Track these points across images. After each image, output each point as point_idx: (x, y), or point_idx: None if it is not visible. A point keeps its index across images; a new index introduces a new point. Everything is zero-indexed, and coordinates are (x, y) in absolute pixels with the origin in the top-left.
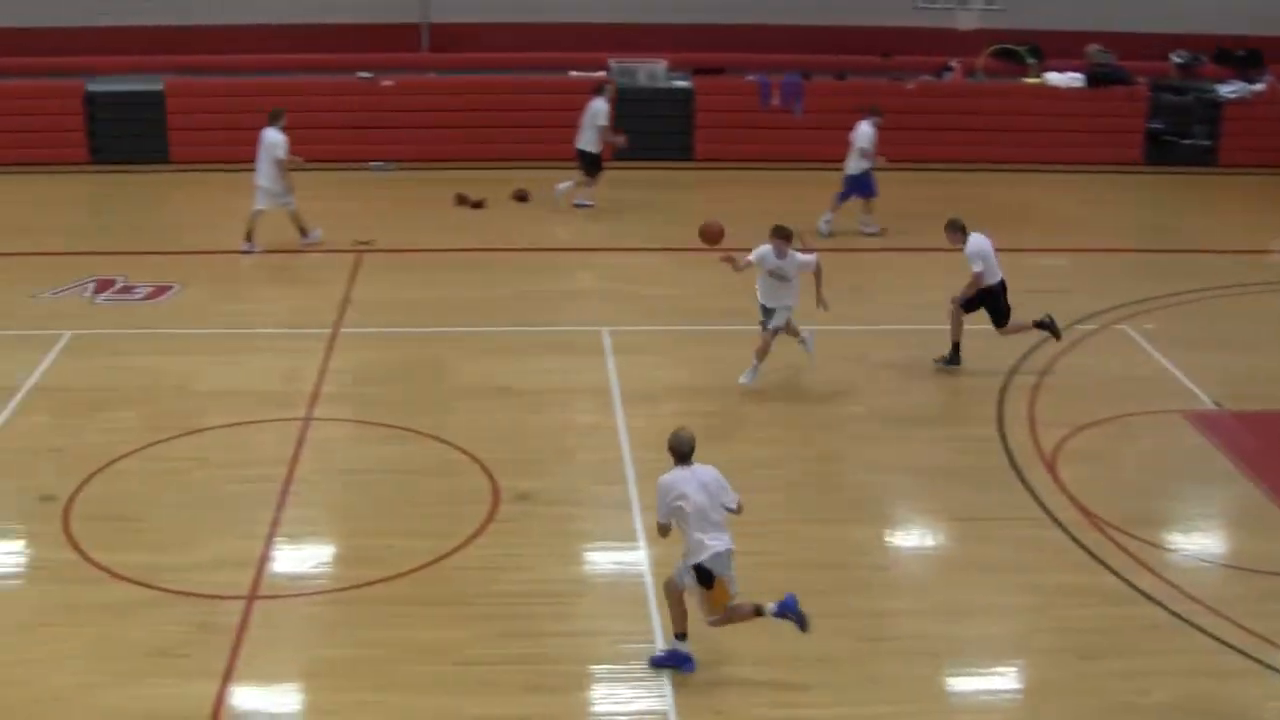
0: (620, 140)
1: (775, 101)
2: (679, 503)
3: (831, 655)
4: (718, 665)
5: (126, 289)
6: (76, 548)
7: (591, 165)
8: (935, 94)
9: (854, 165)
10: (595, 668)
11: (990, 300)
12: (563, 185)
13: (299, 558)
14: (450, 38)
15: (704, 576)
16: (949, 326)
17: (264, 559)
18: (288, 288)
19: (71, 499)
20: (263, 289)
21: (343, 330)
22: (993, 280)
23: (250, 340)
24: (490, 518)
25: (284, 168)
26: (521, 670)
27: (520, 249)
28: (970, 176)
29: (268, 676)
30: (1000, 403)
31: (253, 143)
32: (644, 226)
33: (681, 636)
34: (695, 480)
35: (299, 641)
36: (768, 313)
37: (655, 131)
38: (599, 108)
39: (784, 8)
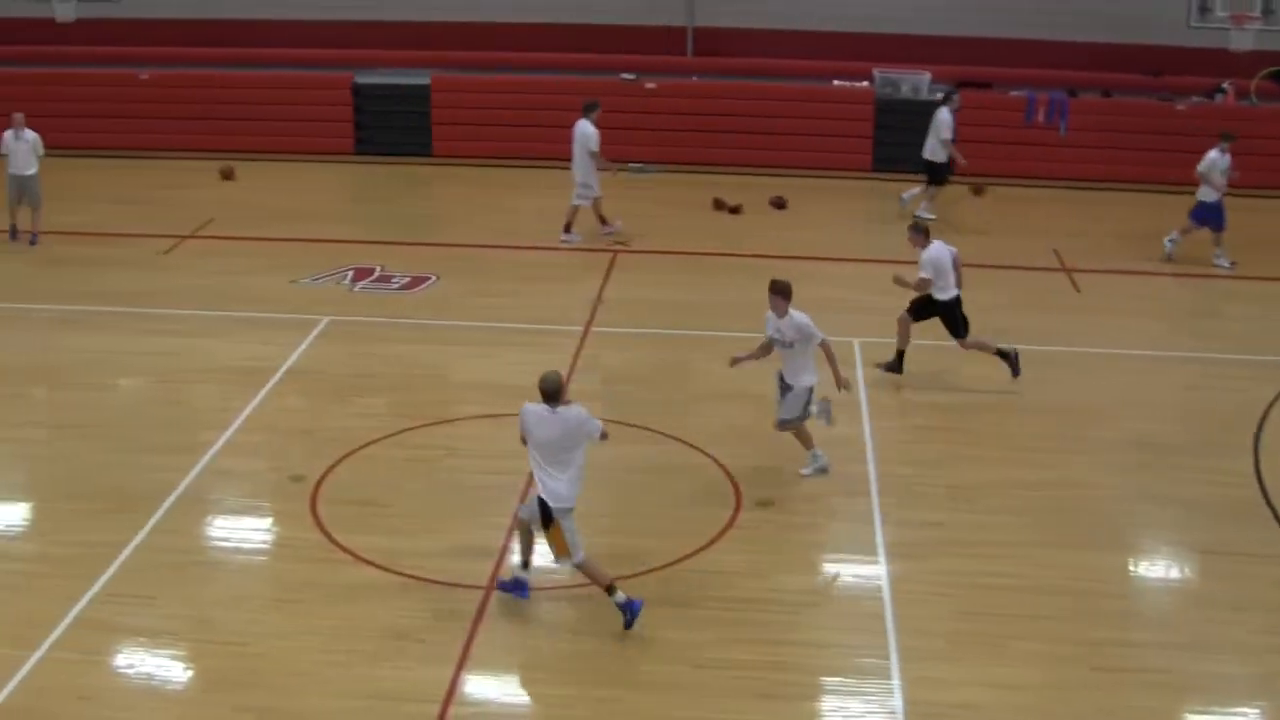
0: (961, 159)
1: (1040, 118)
2: (526, 437)
3: (1067, 683)
4: (952, 686)
5: (384, 278)
6: (323, 529)
7: (936, 175)
8: (1206, 116)
9: (1206, 192)
10: (827, 679)
11: (945, 312)
12: (907, 194)
13: (539, 551)
14: (714, 42)
15: (545, 513)
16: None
17: (505, 550)
18: (542, 284)
19: (320, 481)
20: (517, 284)
21: (594, 329)
22: (944, 294)
23: (503, 334)
24: (731, 523)
25: (595, 160)
26: (754, 677)
27: (775, 256)
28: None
29: (501, 666)
30: (1258, 434)
31: (516, 139)
32: (899, 238)
33: (525, 566)
34: (556, 421)
35: (535, 634)
36: (785, 389)
37: (913, 144)
38: (943, 119)
39: (1053, 23)
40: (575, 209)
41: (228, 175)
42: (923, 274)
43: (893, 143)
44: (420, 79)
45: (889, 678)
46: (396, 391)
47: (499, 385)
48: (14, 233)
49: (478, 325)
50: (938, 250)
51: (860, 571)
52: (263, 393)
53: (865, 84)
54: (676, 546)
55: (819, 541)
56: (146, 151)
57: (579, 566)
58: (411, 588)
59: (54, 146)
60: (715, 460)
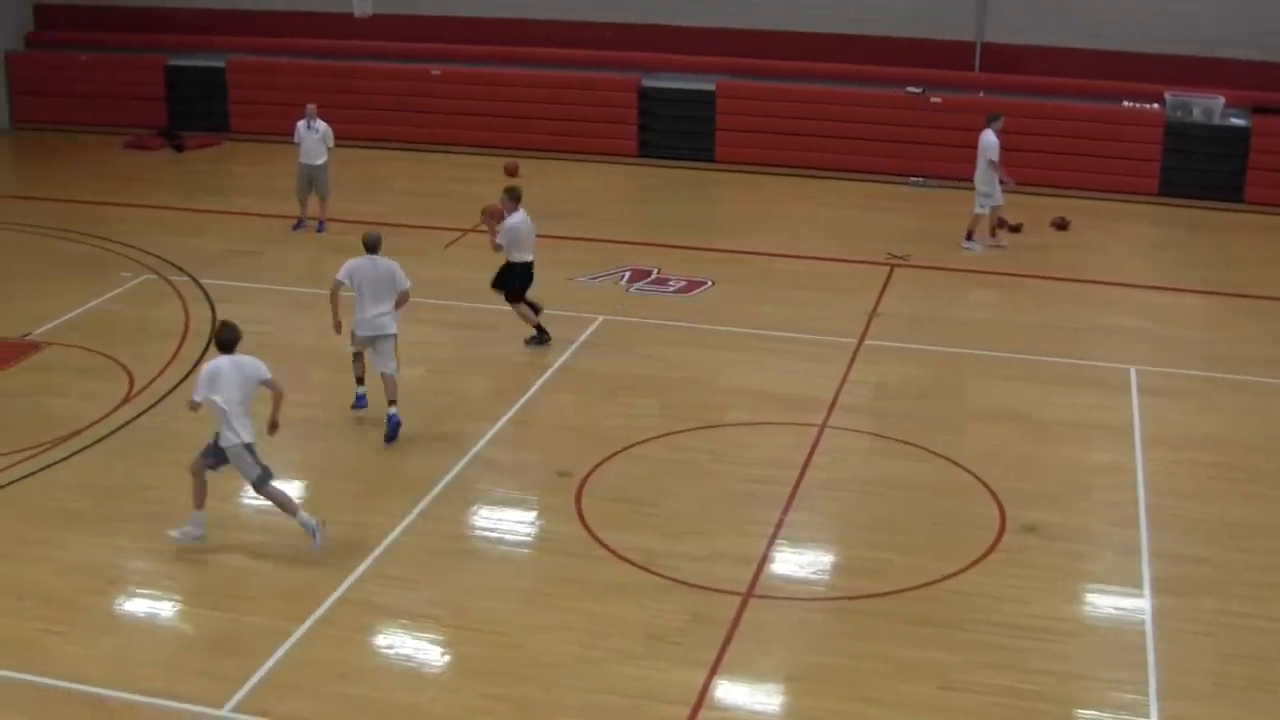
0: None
1: None
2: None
3: None
4: None
5: (660, 280)
6: (585, 525)
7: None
8: None
9: None
10: (1082, 712)
11: (511, 276)
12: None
13: (799, 561)
14: (1004, 58)
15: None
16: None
17: (764, 558)
18: (817, 294)
19: (586, 477)
20: (793, 293)
21: (867, 341)
22: (520, 258)
23: (776, 342)
24: (994, 546)
25: (995, 169)
26: (1006, 704)
27: (1053, 277)
28: None
29: (754, 674)
30: None
31: (798, 148)
32: (1182, 267)
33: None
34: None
35: (789, 644)
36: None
37: (1207, 169)
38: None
39: None
40: (976, 217)
41: (512, 172)
42: (500, 240)
43: (1181, 167)
44: (706, 84)
45: (1146, 715)
46: (665, 393)
47: (768, 393)
48: (300, 221)
49: (750, 332)
50: (515, 219)
51: (1124, 604)
52: (535, 387)
53: (1155, 106)
54: (938, 566)
55: (1083, 570)
56: (435, 145)
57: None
58: (670, 589)
59: (346, 138)
60: (982, 481)
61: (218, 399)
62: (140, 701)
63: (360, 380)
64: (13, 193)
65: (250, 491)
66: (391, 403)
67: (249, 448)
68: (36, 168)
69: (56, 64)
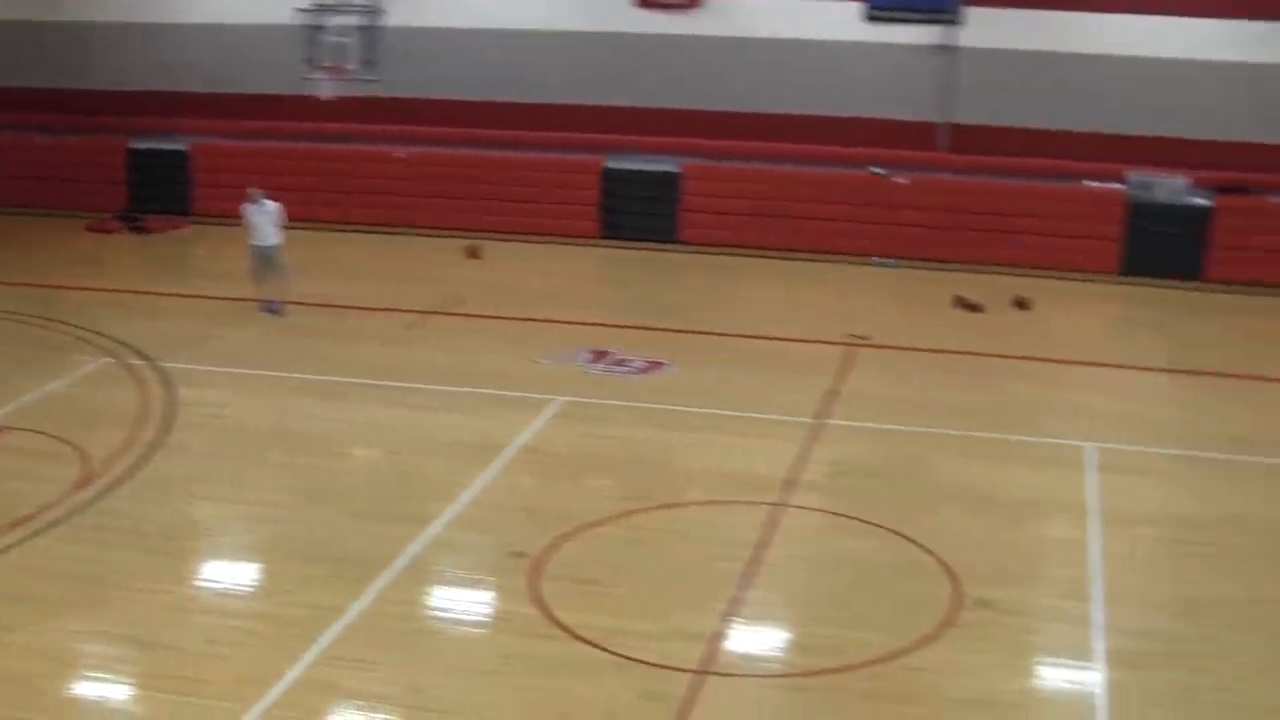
0: None
1: None
2: None
3: None
4: None
5: (621, 361)
6: (542, 604)
7: None
8: None
9: None
10: None
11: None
12: None
13: (755, 639)
14: (969, 139)
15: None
16: None
17: (719, 636)
18: (778, 374)
19: (544, 557)
20: (754, 373)
21: (827, 421)
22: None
23: (736, 422)
24: (950, 622)
25: None
26: None
27: (1014, 356)
28: None
29: None
30: None
31: (763, 229)
32: (1143, 346)
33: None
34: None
35: None
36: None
37: (1168, 248)
38: None
39: None
40: None
41: (474, 254)
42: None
43: (1142, 245)
44: (670, 166)
45: None
46: (624, 473)
47: (727, 472)
48: (271, 304)
49: (710, 412)
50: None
51: (1077, 677)
52: (494, 468)
53: (1116, 185)
54: (893, 642)
55: (1037, 644)
56: (399, 227)
57: None
58: (625, 666)
59: (308, 219)
60: (938, 558)
61: None
62: None
63: None
64: None
65: (206, 572)
66: None
67: None
68: None
69: (15, 145)
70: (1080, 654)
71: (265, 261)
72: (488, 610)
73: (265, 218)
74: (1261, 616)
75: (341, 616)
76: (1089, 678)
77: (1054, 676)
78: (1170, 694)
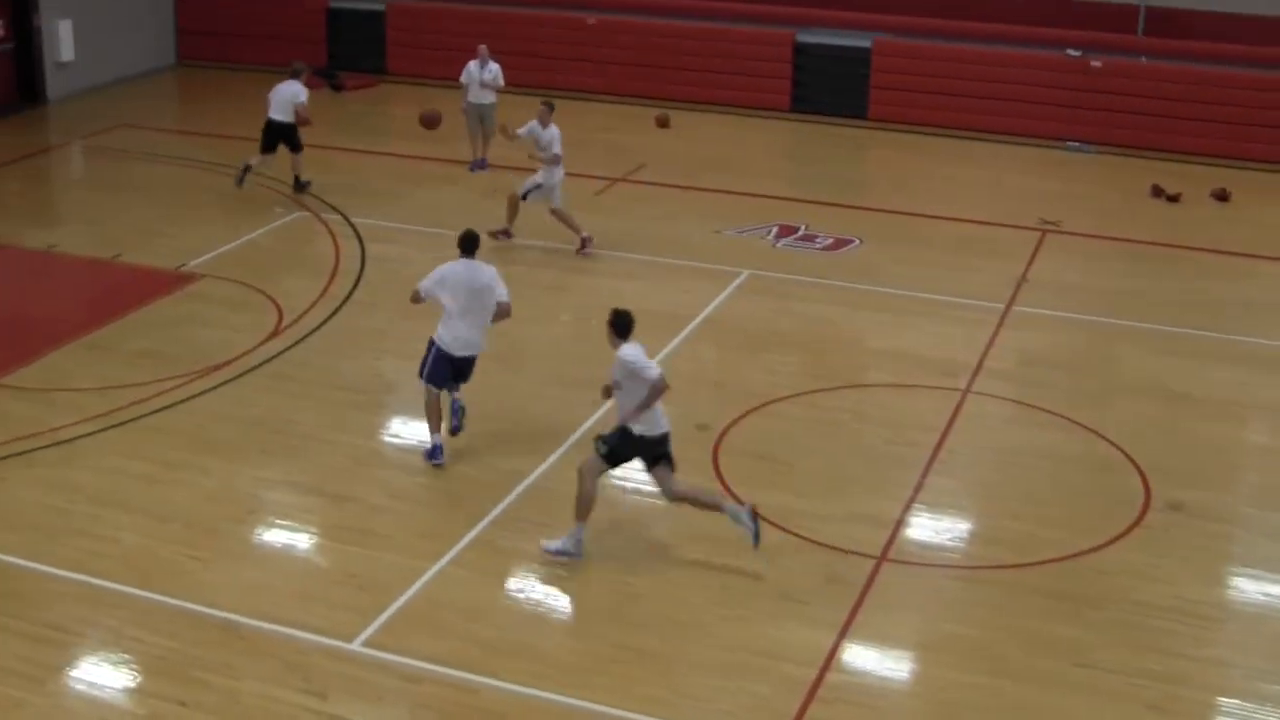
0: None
1: None
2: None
3: None
4: None
5: (808, 237)
6: (722, 480)
7: None
8: None
9: None
10: (1224, 700)
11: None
12: None
13: (935, 527)
14: (1167, 22)
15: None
16: None
17: (900, 523)
18: (967, 257)
19: (724, 432)
20: (942, 255)
21: (1015, 308)
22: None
23: (922, 304)
24: (1138, 522)
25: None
26: (1145, 686)
27: (1211, 250)
28: None
29: (883, 639)
30: None
31: (953, 109)
32: None
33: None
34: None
35: (921, 610)
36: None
37: None
38: None
39: None
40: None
41: (663, 123)
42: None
43: None
44: (862, 41)
45: None
46: (809, 351)
47: (912, 355)
48: (477, 162)
49: (897, 293)
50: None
51: (1272, 590)
52: (678, 340)
53: None
54: (1077, 540)
55: (1230, 552)
56: (587, 93)
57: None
58: (803, 549)
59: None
60: (1127, 455)
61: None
62: (272, 630)
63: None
64: (173, 127)
65: (392, 428)
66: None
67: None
68: (197, 104)
69: (221, 3)
70: (1277, 566)
71: (479, 118)
72: None
73: (488, 76)
74: None
75: (523, 480)
76: None
77: (1247, 588)
78: None
